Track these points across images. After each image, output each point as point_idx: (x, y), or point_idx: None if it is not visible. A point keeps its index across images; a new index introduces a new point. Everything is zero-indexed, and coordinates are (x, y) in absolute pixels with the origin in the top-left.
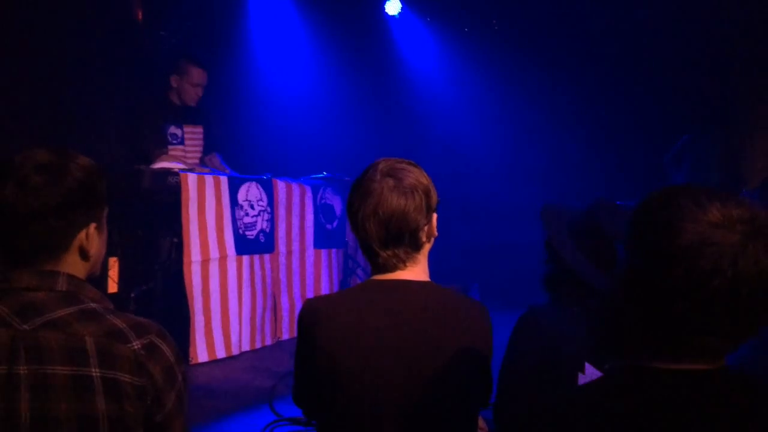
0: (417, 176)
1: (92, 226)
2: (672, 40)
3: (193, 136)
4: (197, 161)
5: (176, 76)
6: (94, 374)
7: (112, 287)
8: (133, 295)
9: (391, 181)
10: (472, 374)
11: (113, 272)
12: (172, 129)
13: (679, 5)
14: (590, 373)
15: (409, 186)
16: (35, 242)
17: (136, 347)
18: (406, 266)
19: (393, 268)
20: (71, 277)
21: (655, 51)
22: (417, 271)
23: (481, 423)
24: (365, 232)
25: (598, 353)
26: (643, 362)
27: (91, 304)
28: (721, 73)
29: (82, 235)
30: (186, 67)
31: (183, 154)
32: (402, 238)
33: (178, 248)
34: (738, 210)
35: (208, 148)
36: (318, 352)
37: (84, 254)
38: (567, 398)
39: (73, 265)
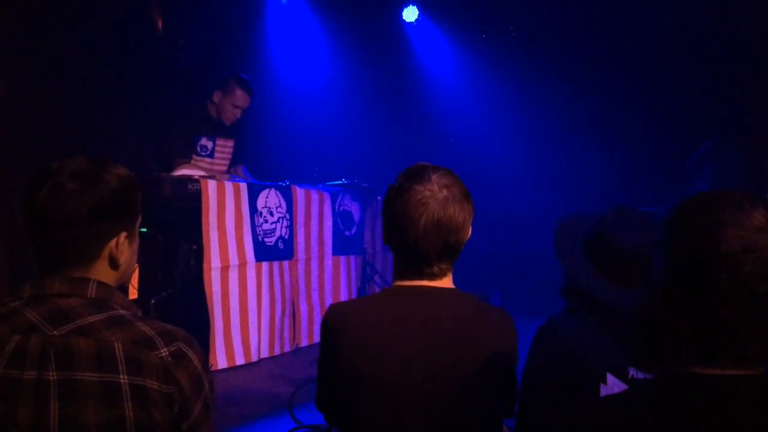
0: (461, 184)
1: (123, 235)
2: (693, 45)
3: (224, 149)
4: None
5: (220, 92)
6: (122, 381)
7: (133, 293)
8: (153, 301)
9: (447, 192)
10: (497, 382)
11: (134, 278)
12: (204, 141)
13: (700, 10)
14: (612, 383)
15: (462, 195)
16: (66, 248)
17: (163, 354)
18: (447, 275)
19: (436, 277)
20: (101, 284)
21: (677, 56)
22: (444, 278)
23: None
24: (425, 244)
25: (635, 362)
26: (685, 368)
27: (120, 311)
28: (744, 77)
29: (113, 243)
30: (233, 87)
31: (209, 166)
32: (456, 249)
33: (197, 255)
34: None
35: (234, 161)
36: (342, 357)
37: (114, 262)
38: (608, 406)
39: (102, 273)
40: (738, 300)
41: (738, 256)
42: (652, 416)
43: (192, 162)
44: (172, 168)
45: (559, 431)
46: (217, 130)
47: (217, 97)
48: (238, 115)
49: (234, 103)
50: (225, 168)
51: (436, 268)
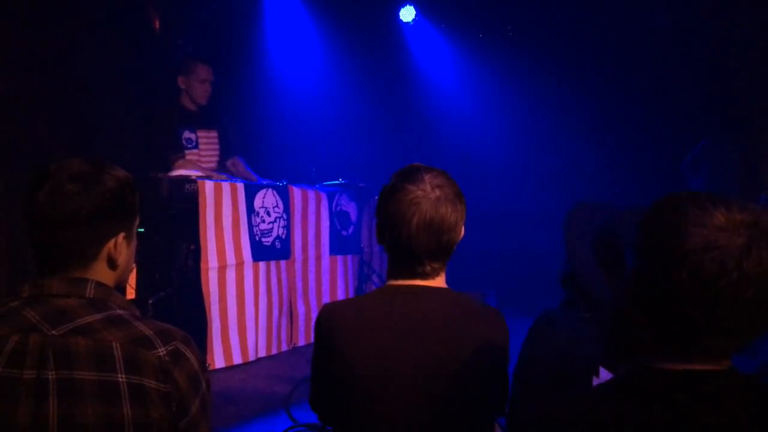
0: (454, 184)
1: (121, 236)
2: (690, 46)
3: (208, 140)
4: (214, 165)
5: (183, 76)
6: (120, 380)
7: (130, 294)
8: (150, 301)
9: (439, 192)
10: (489, 381)
11: (131, 279)
12: (186, 134)
13: (697, 11)
14: (604, 376)
15: (455, 196)
16: (65, 249)
17: (161, 354)
18: (439, 274)
19: (429, 276)
20: (99, 285)
21: (673, 56)
22: (437, 278)
23: (497, 430)
24: (417, 243)
25: (608, 357)
26: (651, 364)
27: (118, 311)
28: (740, 77)
29: (111, 244)
30: (191, 65)
31: (198, 158)
32: (449, 249)
33: (195, 255)
34: (742, 214)
35: (225, 153)
36: (336, 356)
37: (112, 263)
38: (575, 401)
39: (101, 273)
40: (699, 297)
41: (698, 254)
42: (618, 412)
43: (185, 156)
44: (170, 166)
45: (529, 429)
46: (197, 123)
47: (181, 82)
48: (209, 89)
49: (199, 79)
50: (215, 158)
51: (428, 268)
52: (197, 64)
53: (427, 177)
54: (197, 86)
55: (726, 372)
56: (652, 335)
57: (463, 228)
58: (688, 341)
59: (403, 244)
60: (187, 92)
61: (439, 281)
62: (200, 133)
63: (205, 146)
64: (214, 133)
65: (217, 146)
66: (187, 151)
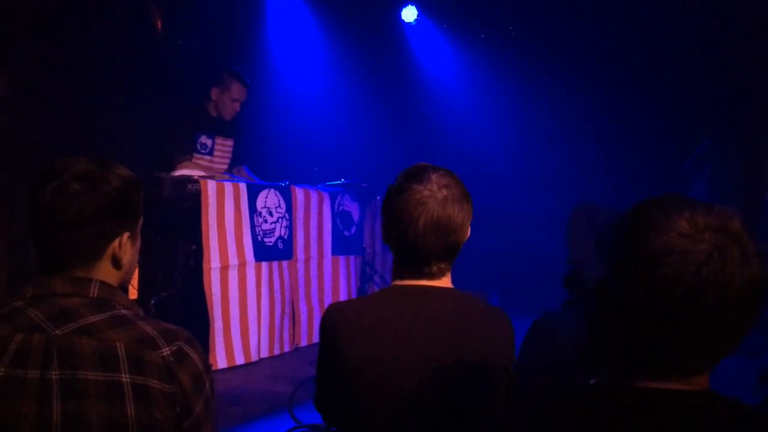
0: (460, 184)
1: (125, 236)
2: (693, 46)
3: (223, 148)
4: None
5: (217, 88)
6: (124, 380)
7: (132, 293)
8: (153, 301)
9: (446, 192)
10: (494, 381)
11: (133, 279)
12: (203, 139)
13: (698, 10)
14: None
15: (462, 196)
16: (70, 249)
17: (165, 354)
18: (445, 275)
19: (435, 277)
20: (103, 284)
21: (676, 56)
22: (443, 278)
23: None
24: (424, 244)
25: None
26: (616, 379)
27: (122, 311)
28: (743, 78)
29: (116, 243)
30: (228, 81)
31: (209, 164)
32: (455, 249)
33: (197, 255)
34: (706, 218)
35: (234, 162)
36: (340, 357)
37: (116, 262)
38: (534, 416)
39: (105, 273)
40: (656, 306)
41: (655, 259)
42: (571, 429)
43: (192, 160)
44: (173, 166)
45: None
46: (216, 129)
47: (214, 93)
48: (237, 109)
49: (232, 97)
50: (225, 167)
51: (435, 268)
52: (234, 82)
53: (434, 177)
54: (228, 103)
55: (695, 394)
56: (616, 348)
57: (469, 228)
58: (652, 356)
59: (410, 244)
60: (216, 104)
61: (445, 281)
62: (218, 140)
63: (219, 153)
64: (230, 142)
65: (230, 155)
66: (198, 156)
